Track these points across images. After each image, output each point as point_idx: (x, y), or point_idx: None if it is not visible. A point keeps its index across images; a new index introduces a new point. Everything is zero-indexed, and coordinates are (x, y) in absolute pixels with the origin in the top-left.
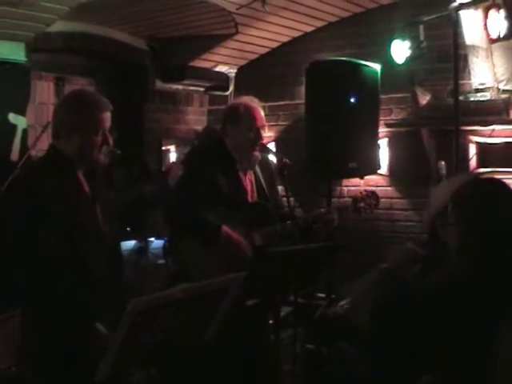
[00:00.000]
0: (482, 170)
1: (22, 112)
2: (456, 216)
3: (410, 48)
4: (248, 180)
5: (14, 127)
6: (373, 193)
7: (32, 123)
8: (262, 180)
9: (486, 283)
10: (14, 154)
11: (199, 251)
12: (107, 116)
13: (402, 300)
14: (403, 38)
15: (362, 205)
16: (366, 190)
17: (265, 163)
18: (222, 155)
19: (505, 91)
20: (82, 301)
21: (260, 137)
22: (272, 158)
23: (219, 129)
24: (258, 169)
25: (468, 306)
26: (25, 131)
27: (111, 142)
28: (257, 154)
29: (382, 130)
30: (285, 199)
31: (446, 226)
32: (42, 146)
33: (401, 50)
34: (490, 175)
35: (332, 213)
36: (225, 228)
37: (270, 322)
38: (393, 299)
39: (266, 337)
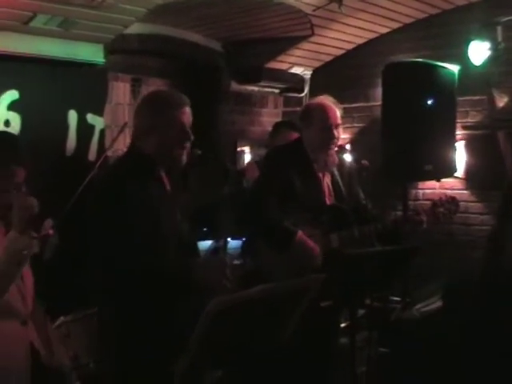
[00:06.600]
0: None
1: (99, 113)
2: None
3: (488, 49)
4: (326, 181)
5: (91, 127)
6: (453, 198)
7: (108, 123)
8: (340, 182)
9: None
10: (92, 154)
11: (274, 254)
12: (184, 111)
13: None
14: (482, 39)
15: (441, 210)
16: (446, 195)
17: (343, 165)
18: (299, 156)
19: None
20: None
21: (333, 135)
22: (349, 159)
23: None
24: (335, 171)
25: None
26: (102, 131)
27: (192, 137)
28: (332, 153)
29: (459, 132)
30: (364, 202)
31: None
32: (118, 146)
33: (479, 52)
34: None
35: (421, 214)
36: (300, 234)
37: (342, 325)
38: None
39: (337, 339)
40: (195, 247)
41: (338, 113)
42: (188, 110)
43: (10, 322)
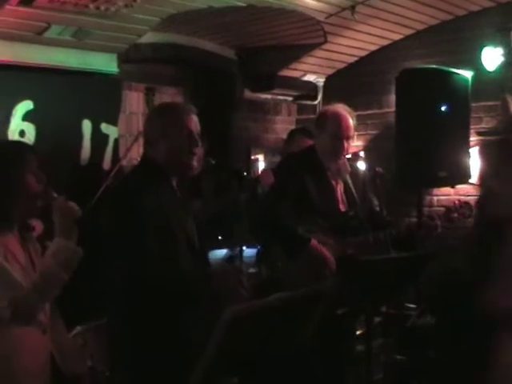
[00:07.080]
0: None
1: (113, 122)
2: None
3: (502, 55)
4: (339, 189)
5: (105, 137)
6: (466, 203)
7: (123, 133)
8: (353, 190)
9: None
10: (106, 164)
11: (290, 261)
12: (191, 119)
13: None
14: (495, 45)
15: (455, 215)
16: (459, 201)
17: (356, 173)
18: (313, 162)
19: None
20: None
21: (342, 147)
22: (363, 166)
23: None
24: (349, 179)
25: None
26: (116, 141)
27: (199, 143)
28: (343, 163)
29: (473, 138)
30: (378, 208)
31: None
32: (132, 155)
33: (492, 57)
34: None
35: (436, 219)
36: (314, 242)
37: (358, 332)
38: None
39: (353, 346)
40: (205, 256)
41: (352, 124)
42: (195, 118)
43: (32, 331)
